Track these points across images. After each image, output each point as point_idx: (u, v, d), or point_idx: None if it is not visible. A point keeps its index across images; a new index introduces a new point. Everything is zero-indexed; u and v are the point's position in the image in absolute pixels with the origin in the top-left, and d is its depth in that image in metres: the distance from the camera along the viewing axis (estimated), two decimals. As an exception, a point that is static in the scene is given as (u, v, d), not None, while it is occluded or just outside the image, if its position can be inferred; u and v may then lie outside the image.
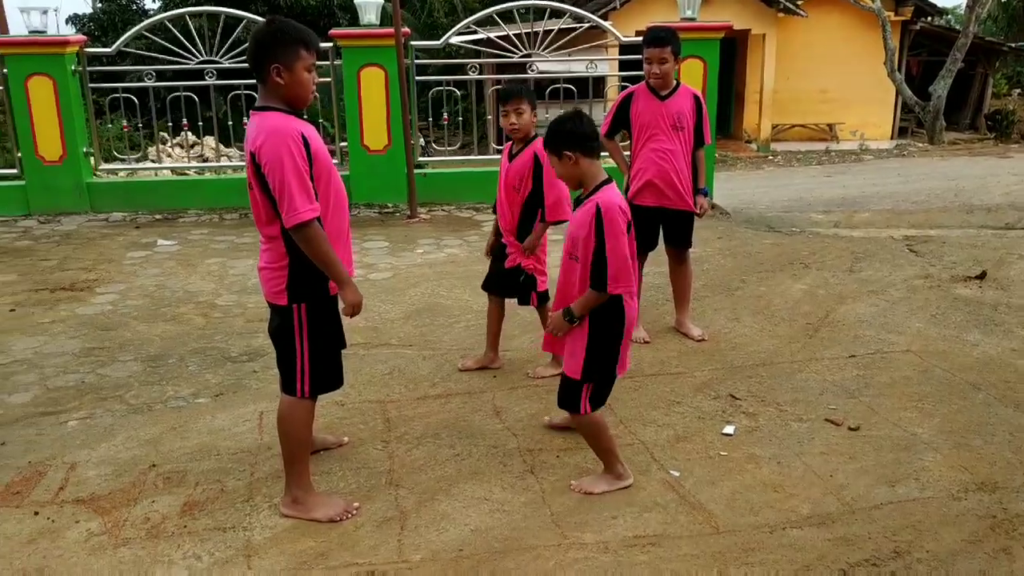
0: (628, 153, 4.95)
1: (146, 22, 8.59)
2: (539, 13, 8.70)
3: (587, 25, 9.20)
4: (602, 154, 3.60)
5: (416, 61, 8.65)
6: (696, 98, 4.80)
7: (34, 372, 4.60)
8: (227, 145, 10.92)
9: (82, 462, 3.61)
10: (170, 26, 8.60)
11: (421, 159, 9.17)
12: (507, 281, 4.43)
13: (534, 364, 4.57)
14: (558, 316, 3.26)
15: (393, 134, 8.43)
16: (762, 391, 4.25)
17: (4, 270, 6.56)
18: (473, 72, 8.99)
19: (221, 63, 8.50)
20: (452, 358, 4.71)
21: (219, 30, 8.52)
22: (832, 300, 5.60)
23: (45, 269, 6.59)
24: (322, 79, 7.44)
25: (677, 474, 3.46)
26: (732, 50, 21.60)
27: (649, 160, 4.75)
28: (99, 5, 25.62)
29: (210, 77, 8.59)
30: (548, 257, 4.45)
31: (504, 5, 8.77)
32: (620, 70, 9.45)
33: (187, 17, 8.53)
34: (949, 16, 31.79)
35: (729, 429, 3.84)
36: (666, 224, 4.91)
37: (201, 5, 8.95)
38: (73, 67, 8.26)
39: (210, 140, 11.88)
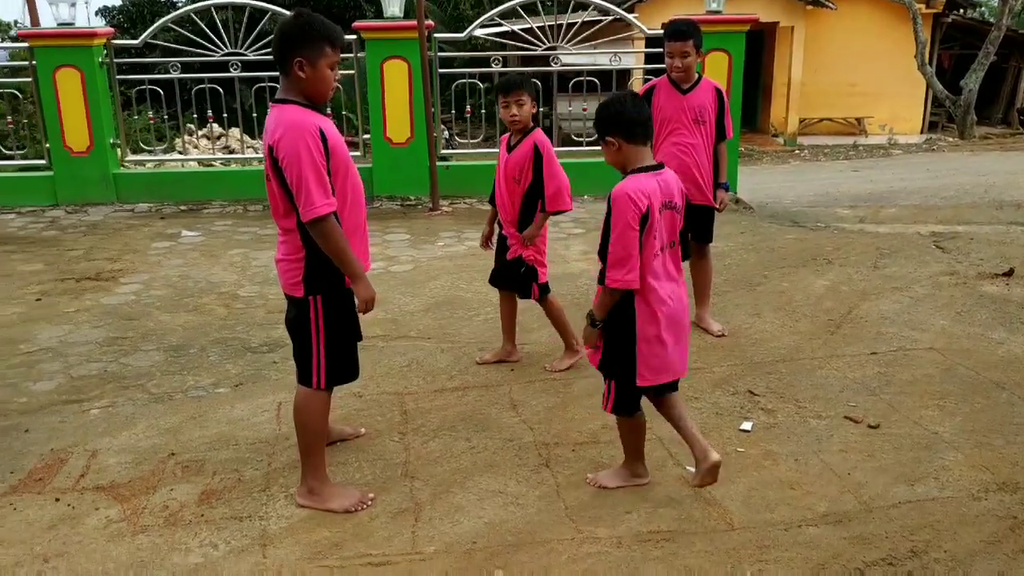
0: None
1: (172, 14, 8.66)
2: (563, 5, 8.67)
3: (612, 18, 9.15)
4: None
5: (441, 54, 8.64)
6: (718, 91, 4.76)
7: (59, 361, 4.67)
8: (252, 137, 10.99)
9: (103, 450, 3.66)
10: (196, 19, 8.66)
11: (444, 151, 9.18)
12: (510, 273, 4.43)
13: (552, 357, 4.56)
14: (585, 324, 3.13)
15: (416, 127, 8.44)
16: (781, 388, 4.22)
17: (31, 260, 6.65)
18: (497, 64, 8.97)
19: (246, 55, 8.55)
20: (470, 351, 4.71)
21: (244, 22, 8.57)
22: (855, 296, 5.55)
23: (71, 259, 6.67)
24: (345, 71, 7.47)
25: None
26: (760, 43, 21.39)
27: (670, 154, 4.71)
28: (128, -3, 25.80)
29: (235, 69, 8.64)
30: (549, 250, 4.44)
31: (528, -3, 8.75)
32: (645, 63, 9.39)
33: (213, 9, 8.59)
34: (983, 8, 31.26)
35: (747, 425, 3.81)
36: (686, 218, 4.87)
37: (227, -3, 9.00)
38: (100, 59, 8.33)
39: (235, 132, 11.98)
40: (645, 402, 3.24)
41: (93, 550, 2.96)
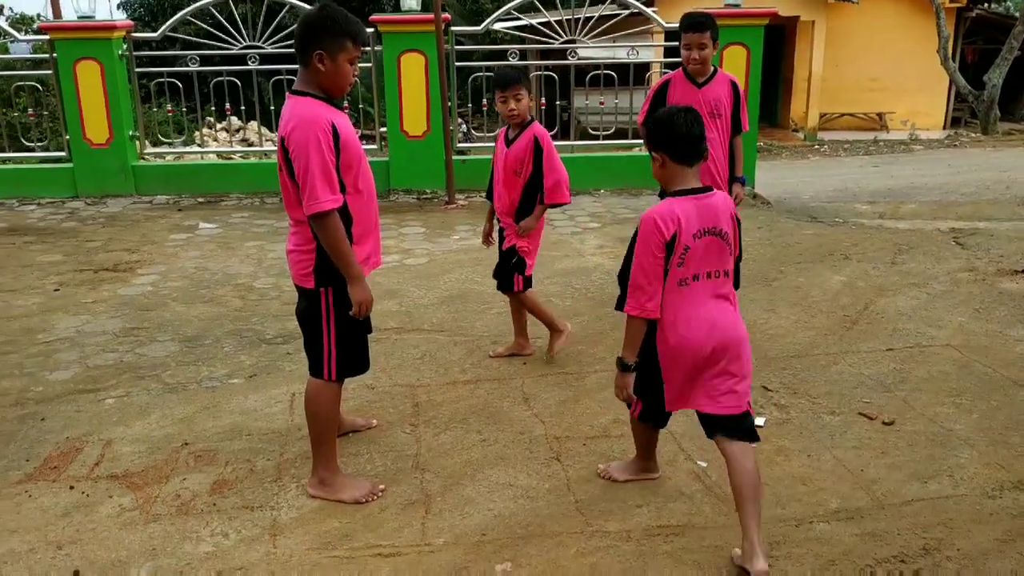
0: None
1: (191, 8, 8.70)
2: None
3: (630, 11, 9.11)
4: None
5: (459, 47, 8.64)
6: (733, 84, 4.73)
7: (75, 350, 4.71)
8: (271, 130, 11.04)
9: (117, 439, 3.69)
10: (215, 12, 8.71)
11: (461, 145, 9.18)
12: (503, 265, 4.43)
13: (565, 352, 4.55)
14: (617, 373, 2.91)
15: (432, 120, 8.45)
16: (795, 383, 4.19)
17: (51, 250, 6.72)
18: (514, 58, 8.96)
19: (264, 48, 8.59)
20: (483, 344, 4.72)
21: (262, 15, 8.60)
22: (872, 292, 5.50)
23: (90, 250, 6.73)
24: (363, 64, 7.48)
25: (704, 464, 3.43)
26: (781, 37, 21.24)
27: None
28: (149, -10, 25.94)
29: (253, 62, 8.67)
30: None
31: (546, -9, 8.74)
32: (664, 57, 9.35)
33: (231, 3, 8.62)
34: (1008, 3, 30.88)
35: (759, 420, 3.78)
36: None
37: (246, -10, 9.07)
38: (120, 52, 8.40)
39: (254, 124, 12.03)
40: None
41: (106, 538, 2.99)
